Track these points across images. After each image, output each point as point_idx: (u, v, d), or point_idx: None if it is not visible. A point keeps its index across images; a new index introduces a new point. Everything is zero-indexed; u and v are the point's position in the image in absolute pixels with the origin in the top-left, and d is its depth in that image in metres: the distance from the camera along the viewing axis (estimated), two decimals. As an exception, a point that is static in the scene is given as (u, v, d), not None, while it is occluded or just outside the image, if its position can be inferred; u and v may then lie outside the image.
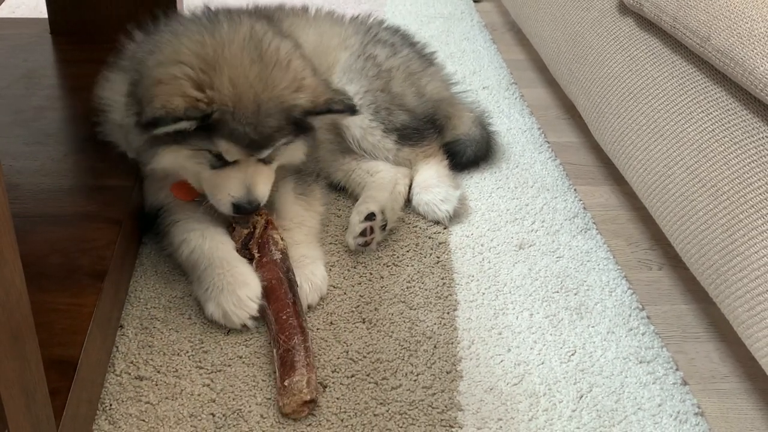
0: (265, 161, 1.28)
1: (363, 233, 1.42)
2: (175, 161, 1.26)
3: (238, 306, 1.22)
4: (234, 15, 1.32)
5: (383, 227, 1.45)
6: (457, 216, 1.55)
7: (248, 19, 1.30)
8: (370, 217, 1.43)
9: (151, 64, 1.23)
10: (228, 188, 1.26)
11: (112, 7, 1.89)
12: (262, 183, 1.28)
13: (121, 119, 1.29)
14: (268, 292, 1.23)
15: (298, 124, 1.26)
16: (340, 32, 1.64)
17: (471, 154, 1.72)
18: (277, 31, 1.34)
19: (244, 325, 1.23)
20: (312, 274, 1.31)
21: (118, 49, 1.41)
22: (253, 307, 1.22)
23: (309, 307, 1.29)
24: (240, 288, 1.23)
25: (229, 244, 1.31)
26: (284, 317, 1.18)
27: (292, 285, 1.24)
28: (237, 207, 1.26)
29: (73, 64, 1.81)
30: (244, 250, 1.30)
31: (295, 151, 1.34)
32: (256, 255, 1.29)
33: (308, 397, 1.09)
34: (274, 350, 1.16)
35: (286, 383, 1.10)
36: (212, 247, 1.29)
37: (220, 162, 1.24)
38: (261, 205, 1.29)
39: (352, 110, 1.32)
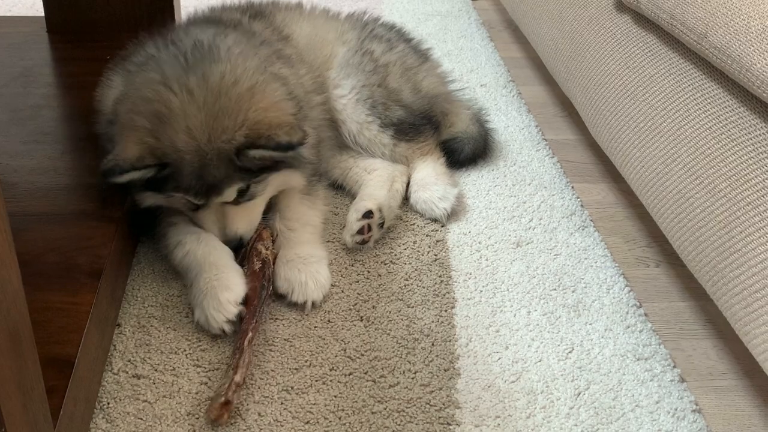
0: (239, 202, 1.27)
1: (360, 231, 1.42)
2: (157, 201, 1.29)
3: (217, 309, 1.20)
4: (198, 53, 1.27)
5: (381, 225, 1.45)
6: (454, 214, 1.55)
7: (210, 61, 1.24)
8: (368, 215, 1.43)
9: (122, 104, 1.25)
10: (207, 228, 1.30)
11: (109, 6, 1.89)
12: (235, 223, 1.29)
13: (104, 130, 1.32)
14: (244, 301, 1.23)
15: (246, 167, 1.23)
16: (336, 27, 1.64)
17: (469, 151, 1.72)
18: (246, 58, 1.28)
19: (223, 330, 1.21)
20: (317, 273, 1.31)
21: (119, 52, 1.41)
22: (231, 311, 1.20)
23: (313, 304, 1.30)
24: (222, 292, 1.21)
25: (224, 249, 1.30)
26: (244, 327, 1.19)
27: (262, 289, 1.24)
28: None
29: (69, 62, 1.81)
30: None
31: (285, 181, 1.34)
32: (244, 267, 1.29)
33: (223, 399, 1.06)
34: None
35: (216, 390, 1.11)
36: (205, 252, 1.28)
37: (194, 206, 1.27)
38: (243, 240, 1.30)
39: (279, 147, 1.21)
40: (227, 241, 1.30)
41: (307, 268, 1.31)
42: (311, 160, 1.37)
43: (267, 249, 1.31)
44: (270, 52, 1.40)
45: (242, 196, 1.27)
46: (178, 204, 1.29)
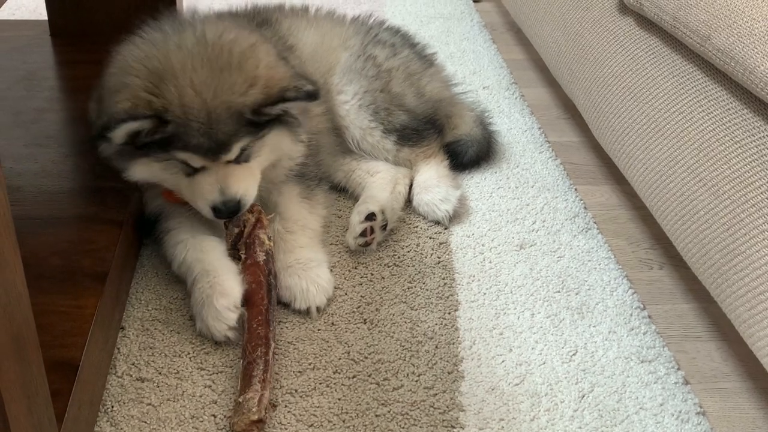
0: (239, 161, 1.25)
1: (363, 233, 1.42)
2: (149, 173, 1.26)
3: (216, 318, 1.20)
4: (192, 20, 1.29)
5: (383, 227, 1.45)
6: (457, 216, 1.55)
7: (202, 24, 1.27)
8: (371, 217, 1.43)
9: (105, 75, 1.25)
10: (203, 193, 1.24)
11: (112, 9, 1.89)
12: (236, 182, 1.25)
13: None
14: (247, 296, 1.21)
15: (258, 122, 1.23)
16: (341, 33, 1.63)
17: (473, 154, 1.72)
18: (238, 26, 1.30)
19: (228, 338, 1.21)
20: (318, 277, 1.30)
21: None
22: (231, 318, 1.19)
23: (318, 309, 1.29)
24: (218, 299, 1.20)
25: (216, 250, 1.29)
26: (255, 325, 1.16)
27: (270, 289, 1.22)
28: (216, 210, 1.24)
29: (72, 65, 1.81)
30: (233, 251, 1.28)
31: (278, 144, 1.31)
32: (243, 256, 1.27)
33: (256, 417, 1.05)
34: (241, 360, 1.15)
35: (240, 399, 1.07)
36: (196, 258, 1.27)
37: (192, 168, 1.23)
38: (242, 204, 1.26)
39: (309, 96, 1.25)
40: (225, 203, 1.23)
41: (308, 273, 1.30)
42: (301, 120, 1.34)
43: (269, 239, 1.28)
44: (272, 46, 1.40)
45: (241, 155, 1.24)
46: (172, 172, 1.25)
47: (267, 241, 1.27)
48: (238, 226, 1.28)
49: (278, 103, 1.22)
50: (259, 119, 1.23)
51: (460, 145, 1.70)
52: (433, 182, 1.58)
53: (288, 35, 1.55)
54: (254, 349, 1.13)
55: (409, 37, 1.78)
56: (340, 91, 1.56)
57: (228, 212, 1.25)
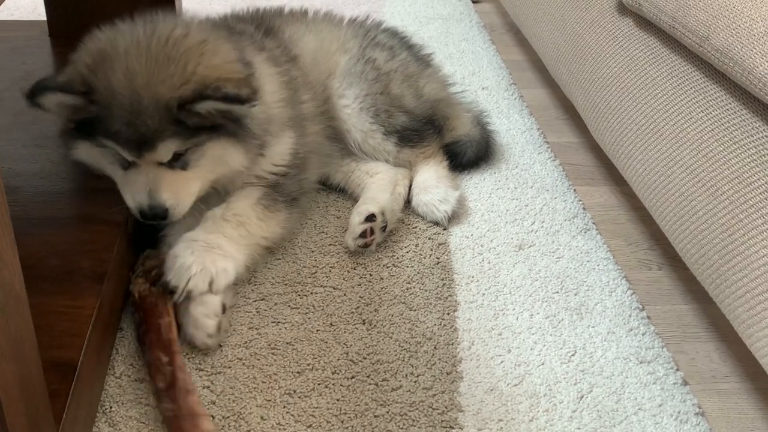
0: (173, 166, 1.21)
1: (363, 234, 1.42)
2: (89, 157, 1.26)
3: (196, 327, 1.19)
4: (163, 18, 1.27)
5: (383, 228, 1.45)
6: (456, 217, 1.55)
7: (164, 20, 1.25)
8: (370, 218, 1.43)
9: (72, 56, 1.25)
10: (132, 191, 1.22)
11: (111, 10, 1.88)
12: (167, 188, 1.20)
13: None
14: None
15: (188, 123, 1.17)
16: (339, 36, 1.63)
17: (472, 154, 1.72)
18: (200, 26, 1.27)
19: (207, 345, 1.20)
20: (213, 263, 1.21)
21: None
22: (210, 325, 1.18)
23: (189, 293, 1.19)
24: (196, 307, 1.19)
25: None
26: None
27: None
28: (142, 213, 1.21)
29: (72, 66, 1.81)
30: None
31: (222, 155, 1.24)
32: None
33: None
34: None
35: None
36: None
37: (125, 163, 1.21)
38: (171, 213, 1.21)
39: (227, 99, 1.16)
40: (150, 208, 1.20)
41: (204, 255, 1.21)
42: (257, 133, 1.27)
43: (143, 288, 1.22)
44: (267, 55, 1.40)
45: (176, 161, 1.21)
46: (109, 161, 1.23)
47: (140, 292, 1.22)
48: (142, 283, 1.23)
49: (197, 102, 1.15)
50: (188, 120, 1.17)
51: (459, 146, 1.70)
52: (432, 183, 1.58)
53: (291, 45, 1.54)
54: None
55: (406, 38, 1.78)
56: (341, 95, 1.56)
57: (154, 217, 1.21)
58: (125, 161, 1.21)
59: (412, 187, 1.59)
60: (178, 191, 1.22)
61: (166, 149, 1.18)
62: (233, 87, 1.17)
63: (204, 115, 1.18)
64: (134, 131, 1.16)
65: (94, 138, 1.20)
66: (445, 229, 1.54)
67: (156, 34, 1.20)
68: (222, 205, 1.31)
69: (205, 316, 1.18)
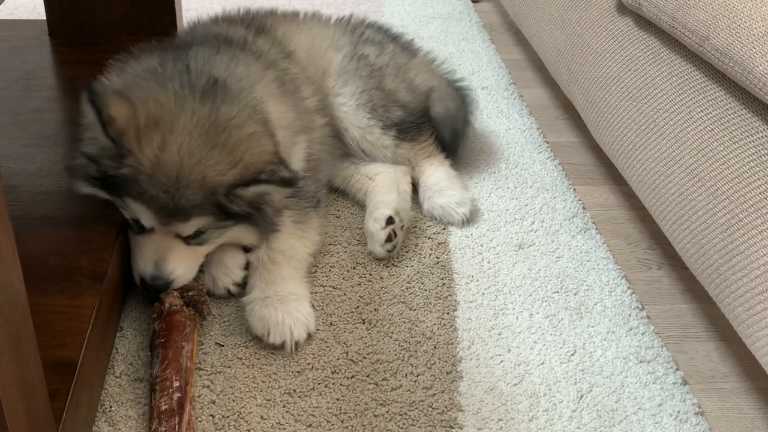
0: (189, 242, 1.21)
1: (389, 239, 1.42)
2: (96, 194, 1.23)
3: (225, 274, 1.29)
4: (215, 88, 1.24)
5: (402, 227, 1.45)
6: (469, 219, 1.55)
7: (223, 97, 1.23)
8: (390, 221, 1.42)
9: (136, 86, 1.22)
10: (138, 257, 1.22)
11: (110, 9, 1.89)
12: (175, 260, 1.21)
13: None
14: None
15: (227, 208, 1.18)
16: (329, 34, 1.64)
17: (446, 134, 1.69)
18: (251, 109, 1.26)
19: (228, 291, 1.30)
20: (296, 311, 1.23)
21: (119, 59, 1.39)
22: (239, 275, 1.30)
23: (296, 344, 1.22)
24: (229, 259, 1.30)
25: None
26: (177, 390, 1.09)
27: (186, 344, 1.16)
28: (142, 281, 1.22)
29: (71, 65, 1.81)
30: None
31: (238, 236, 1.27)
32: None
33: None
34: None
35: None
36: None
37: (138, 228, 1.20)
38: (173, 284, 1.21)
39: (283, 182, 1.20)
40: (152, 279, 1.20)
41: (286, 307, 1.23)
42: (274, 221, 1.29)
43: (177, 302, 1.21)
44: (274, 76, 1.39)
45: (196, 237, 1.21)
46: (124, 215, 1.22)
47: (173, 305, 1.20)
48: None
49: (251, 185, 1.17)
50: (230, 205, 1.18)
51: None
52: (445, 185, 1.58)
53: (285, 41, 1.54)
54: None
55: (391, 31, 1.78)
56: (338, 93, 1.56)
57: (153, 288, 1.21)
58: (135, 226, 1.21)
59: (423, 190, 1.59)
60: (186, 263, 1.23)
61: (196, 224, 1.19)
62: (285, 170, 1.20)
63: (240, 203, 1.19)
64: (171, 200, 1.15)
65: (117, 196, 1.19)
66: (444, 229, 1.54)
67: (217, 120, 1.18)
68: (263, 246, 1.31)
69: (237, 267, 1.33)
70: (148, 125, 1.15)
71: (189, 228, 1.19)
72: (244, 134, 1.20)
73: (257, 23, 1.56)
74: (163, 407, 1.05)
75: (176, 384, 1.08)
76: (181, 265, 1.22)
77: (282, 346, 1.21)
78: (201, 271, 1.29)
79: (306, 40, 1.58)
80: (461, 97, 1.75)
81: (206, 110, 1.19)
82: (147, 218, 1.18)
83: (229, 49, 1.38)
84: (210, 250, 1.27)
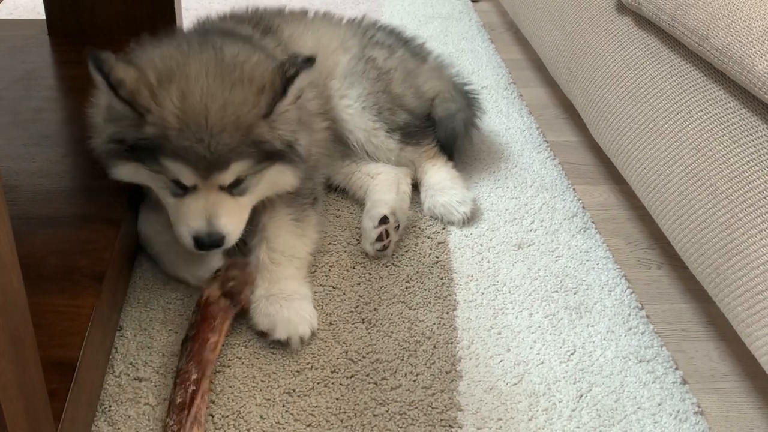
0: (233, 192, 1.22)
1: (380, 238, 1.42)
2: (134, 176, 1.23)
3: (204, 271, 1.28)
4: (211, 38, 1.29)
5: (397, 228, 1.45)
6: (470, 218, 1.55)
7: (221, 43, 1.27)
8: (383, 220, 1.42)
9: (137, 56, 1.25)
10: (188, 218, 1.20)
11: (110, 9, 1.89)
12: (226, 215, 1.20)
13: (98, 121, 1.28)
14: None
15: (265, 149, 1.20)
16: (338, 35, 1.63)
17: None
18: (250, 45, 1.31)
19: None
20: (301, 309, 1.24)
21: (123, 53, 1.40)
22: (216, 262, 1.28)
23: (301, 340, 1.22)
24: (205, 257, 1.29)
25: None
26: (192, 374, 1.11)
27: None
28: (197, 241, 1.20)
29: (71, 65, 1.81)
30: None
31: (278, 179, 1.28)
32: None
33: None
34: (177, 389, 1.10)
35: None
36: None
37: (181, 189, 1.20)
38: (227, 240, 1.21)
39: (308, 61, 1.21)
40: (210, 235, 1.19)
41: (291, 304, 1.23)
42: (304, 158, 1.30)
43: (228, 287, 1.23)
44: None
45: (236, 187, 1.21)
46: (159, 186, 1.22)
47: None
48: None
49: (287, 88, 1.19)
50: (270, 138, 1.19)
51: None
52: (447, 184, 1.58)
53: (290, 42, 1.54)
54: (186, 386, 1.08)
55: (402, 35, 1.77)
56: (343, 95, 1.56)
57: (210, 245, 1.21)
58: (179, 188, 1.20)
59: (425, 189, 1.59)
60: (235, 219, 1.23)
61: (238, 170, 1.19)
62: (290, 65, 1.21)
63: (283, 131, 1.21)
64: (207, 150, 1.15)
65: (151, 160, 1.18)
66: (444, 228, 1.54)
67: (225, 61, 1.21)
68: (263, 246, 1.31)
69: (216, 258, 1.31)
70: (160, 80, 1.16)
71: (230, 176, 1.19)
72: (254, 62, 1.22)
73: (265, 23, 1.56)
74: (178, 400, 1.06)
75: (194, 377, 1.08)
76: (231, 219, 1.22)
77: (287, 342, 1.21)
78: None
79: (312, 42, 1.58)
80: (466, 100, 1.75)
81: (210, 55, 1.21)
82: (187, 175, 1.17)
83: (236, 41, 1.38)
84: (253, 202, 1.27)
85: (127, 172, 1.23)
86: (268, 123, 1.20)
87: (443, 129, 1.67)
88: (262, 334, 1.23)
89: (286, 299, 1.24)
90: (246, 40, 1.41)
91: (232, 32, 1.44)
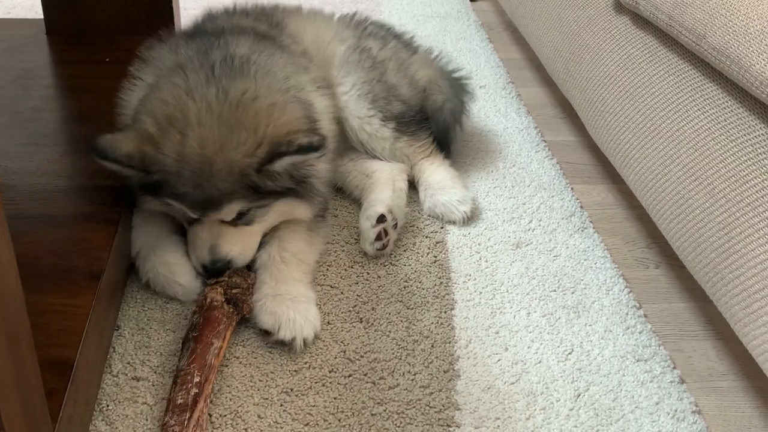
0: (237, 224, 1.25)
1: (378, 237, 1.42)
2: (158, 208, 1.28)
3: (182, 294, 1.28)
4: (217, 69, 1.26)
5: (395, 226, 1.45)
6: (470, 218, 1.55)
7: (228, 77, 1.24)
8: (381, 219, 1.42)
9: (141, 102, 1.26)
10: (194, 247, 1.27)
11: (108, 8, 1.89)
12: (228, 244, 1.25)
13: None
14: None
15: (262, 188, 1.21)
16: (333, 26, 1.65)
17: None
18: (266, 80, 1.28)
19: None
20: (307, 311, 1.24)
21: (140, 59, 1.40)
22: (196, 288, 1.28)
23: (305, 342, 1.21)
24: (179, 277, 1.28)
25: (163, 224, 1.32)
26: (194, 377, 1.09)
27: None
28: (204, 268, 1.26)
29: (69, 64, 1.81)
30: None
31: (289, 210, 1.30)
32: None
33: None
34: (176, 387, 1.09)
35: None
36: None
37: (190, 218, 1.25)
38: (232, 264, 1.26)
39: (301, 150, 1.19)
40: (212, 263, 1.25)
41: (297, 306, 1.23)
42: (322, 192, 1.33)
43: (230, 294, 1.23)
44: (310, 77, 1.41)
45: (240, 219, 1.24)
46: (176, 213, 1.27)
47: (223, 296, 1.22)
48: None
49: (275, 160, 1.18)
50: (263, 184, 1.20)
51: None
52: (447, 183, 1.58)
53: (297, 39, 1.55)
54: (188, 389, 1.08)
55: (393, 29, 1.79)
56: (339, 83, 1.56)
57: (215, 271, 1.25)
58: (189, 217, 1.25)
59: (424, 188, 1.59)
60: (241, 245, 1.26)
61: (230, 210, 1.22)
62: (304, 137, 1.20)
63: (278, 178, 1.22)
64: (201, 193, 1.18)
65: (159, 197, 1.23)
66: (442, 228, 1.54)
67: (228, 99, 1.20)
68: (275, 244, 1.32)
69: (190, 282, 1.30)
70: (161, 128, 1.18)
71: (228, 214, 1.22)
72: (263, 106, 1.22)
73: (271, 19, 1.57)
74: (179, 401, 1.05)
75: (196, 379, 1.08)
76: (235, 246, 1.25)
77: (291, 342, 1.20)
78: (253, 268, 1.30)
79: (312, 35, 1.59)
80: (453, 89, 1.75)
81: (212, 92, 1.20)
82: (188, 212, 1.22)
83: (261, 40, 1.39)
84: (264, 229, 1.29)
85: (151, 204, 1.28)
86: (263, 174, 1.20)
87: (434, 122, 1.67)
88: (265, 333, 1.22)
89: (293, 300, 1.24)
90: (267, 36, 1.41)
91: (251, 30, 1.44)
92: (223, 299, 1.20)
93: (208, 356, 1.11)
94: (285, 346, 1.21)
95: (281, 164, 1.20)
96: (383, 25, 1.77)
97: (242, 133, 1.18)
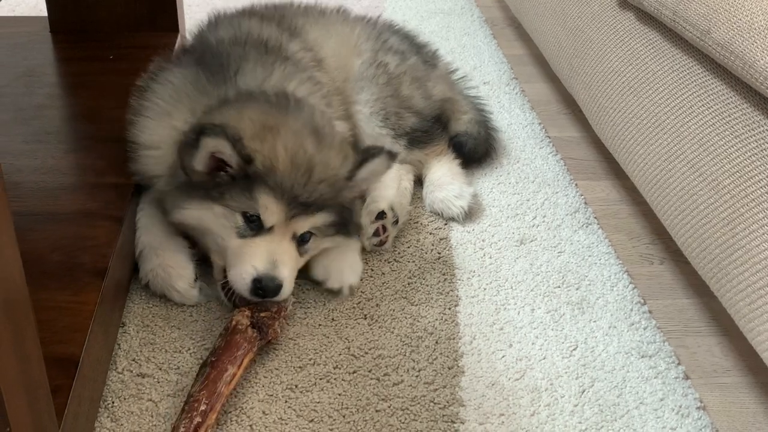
0: (300, 244, 1.24)
1: (376, 233, 1.43)
2: (200, 219, 1.21)
3: (182, 298, 1.28)
4: (294, 100, 1.30)
5: (395, 223, 1.45)
6: (470, 213, 1.55)
7: (311, 109, 1.31)
8: (381, 215, 1.43)
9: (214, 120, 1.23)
10: (253, 258, 1.18)
11: (112, 6, 1.89)
12: (289, 265, 1.20)
13: (166, 160, 1.28)
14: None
15: (341, 211, 1.26)
16: (353, 37, 1.63)
17: (471, 145, 1.71)
18: (320, 115, 1.33)
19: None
20: (353, 261, 1.36)
21: (153, 76, 1.39)
22: (194, 295, 1.29)
23: (350, 288, 1.33)
24: (176, 282, 1.28)
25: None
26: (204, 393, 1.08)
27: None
28: (257, 285, 1.16)
29: (73, 62, 1.81)
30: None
31: (328, 245, 1.32)
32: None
33: None
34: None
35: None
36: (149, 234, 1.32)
37: (251, 230, 1.19)
38: (281, 292, 1.18)
39: (390, 154, 1.30)
40: (271, 279, 1.17)
41: (344, 256, 1.33)
42: (357, 220, 1.38)
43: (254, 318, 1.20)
44: (323, 95, 1.43)
45: (303, 242, 1.24)
46: (225, 225, 1.20)
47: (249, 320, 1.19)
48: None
49: (365, 164, 1.27)
50: (348, 194, 1.27)
51: (458, 139, 1.70)
52: (446, 179, 1.58)
53: (315, 46, 1.54)
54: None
55: (416, 41, 1.79)
56: (354, 100, 1.57)
57: (266, 291, 1.17)
58: (250, 229, 1.19)
59: (426, 185, 1.60)
60: (293, 271, 1.23)
61: (320, 220, 1.24)
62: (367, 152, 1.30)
63: (355, 191, 1.30)
64: (304, 192, 1.19)
65: (237, 195, 1.18)
66: (446, 224, 1.54)
67: (315, 126, 1.26)
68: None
69: (188, 289, 1.30)
70: (260, 133, 1.19)
71: (311, 223, 1.23)
72: (338, 136, 1.32)
73: (288, 22, 1.55)
74: (181, 429, 1.03)
75: (202, 408, 1.05)
76: (290, 272, 1.21)
77: (339, 292, 1.33)
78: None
79: (333, 45, 1.58)
80: (477, 111, 1.77)
81: (301, 119, 1.25)
82: (274, 211, 1.18)
83: (273, 60, 1.40)
84: (303, 263, 1.29)
85: (193, 213, 1.22)
86: (349, 185, 1.27)
87: (468, 142, 1.72)
88: (316, 283, 1.34)
89: (340, 252, 1.33)
90: (287, 61, 1.42)
91: (265, 44, 1.43)
92: (249, 323, 1.17)
93: (219, 384, 1.08)
94: (336, 294, 1.33)
95: (367, 170, 1.27)
96: (407, 36, 1.77)
97: (333, 150, 1.25)
